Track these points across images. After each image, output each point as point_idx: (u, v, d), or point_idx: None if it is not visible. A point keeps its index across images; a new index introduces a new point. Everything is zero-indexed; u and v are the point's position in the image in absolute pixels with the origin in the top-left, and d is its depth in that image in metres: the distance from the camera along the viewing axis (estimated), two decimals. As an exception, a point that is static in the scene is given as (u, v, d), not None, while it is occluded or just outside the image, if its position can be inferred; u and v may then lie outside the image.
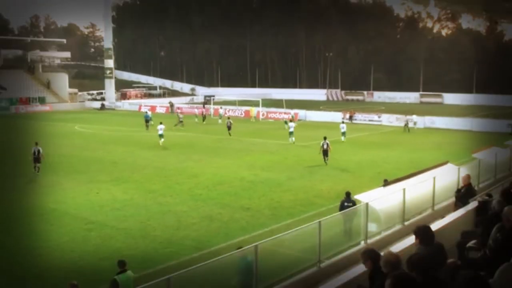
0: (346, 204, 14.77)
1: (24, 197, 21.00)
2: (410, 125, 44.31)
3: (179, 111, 55.20)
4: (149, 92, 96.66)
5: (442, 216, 11.95)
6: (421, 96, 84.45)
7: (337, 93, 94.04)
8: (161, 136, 35.18)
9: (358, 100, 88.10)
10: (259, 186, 22.62)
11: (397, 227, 13.60)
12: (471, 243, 7.64)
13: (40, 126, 50.06)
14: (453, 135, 40.58)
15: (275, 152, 32.24)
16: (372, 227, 12.92)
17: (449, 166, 16.67)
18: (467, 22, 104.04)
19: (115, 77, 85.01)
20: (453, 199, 13.98)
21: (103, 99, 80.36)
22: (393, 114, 51.19)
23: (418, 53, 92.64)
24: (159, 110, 66.66)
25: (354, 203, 14.41)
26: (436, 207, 14.98)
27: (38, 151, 25.80)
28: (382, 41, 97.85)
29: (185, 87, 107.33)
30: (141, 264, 12.91)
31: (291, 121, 39.71)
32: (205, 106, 61.11)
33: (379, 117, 51.39)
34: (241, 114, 58.35)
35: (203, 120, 51.71)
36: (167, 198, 20.45)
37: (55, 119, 57.73)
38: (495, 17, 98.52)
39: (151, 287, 8.26)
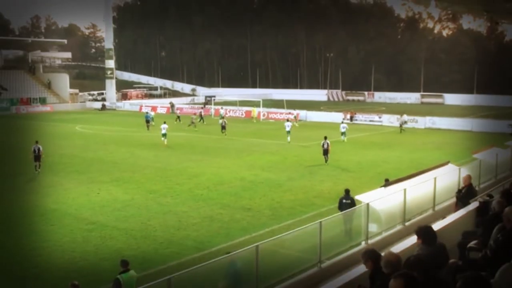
0: (344, 201, 14.79)
1: (25, 197, 21.00)
2: (403, 125, 44.24)
3: (194, 113, 53.44)
4: (150, 93, 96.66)
5: (443, 217, 11.97)
6: (422, 96, 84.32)
7: (337, 94, 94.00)
8: (164, 135, 35.51)
9: (358, 101, 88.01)
10: (259, 186, 22.62)
11: (398, 227, 13.63)
12: (472, 244, 7.64)
13: (41, 126, 50.07)
14: (454, 136, 40.52)
15: (275, 153, 32.24)
16: (373, 227, 12.94)
17: (450, 167, 16.67)
18: (468, 22, 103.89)
19: (115, 78, 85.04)
20: (454, 200, 14.01)
21: (104, 99, 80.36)
22: (393, 114, 51.13)
23: (419, 54, 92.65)
24: (160, 110, 66.63)
25: (352, 200, 14.46)
26: (437, 208, 15.00)
27: (38, 149, 26.07)
28: (382, 41, 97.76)
29: (186, 87, 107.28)
30: (141, 265, 12.91)
31: (287, 120, 39.84)
32: (206, 106, 60.97)
33: (379, 117, 51.36)
34: (242, 114, 58.32)
35: (201, 121, 51.16)
36: (167, 199, 20.44)
37: (56, 119, 57.73)
38: (496, 18, 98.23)
39: (152, 288, 8.27)
